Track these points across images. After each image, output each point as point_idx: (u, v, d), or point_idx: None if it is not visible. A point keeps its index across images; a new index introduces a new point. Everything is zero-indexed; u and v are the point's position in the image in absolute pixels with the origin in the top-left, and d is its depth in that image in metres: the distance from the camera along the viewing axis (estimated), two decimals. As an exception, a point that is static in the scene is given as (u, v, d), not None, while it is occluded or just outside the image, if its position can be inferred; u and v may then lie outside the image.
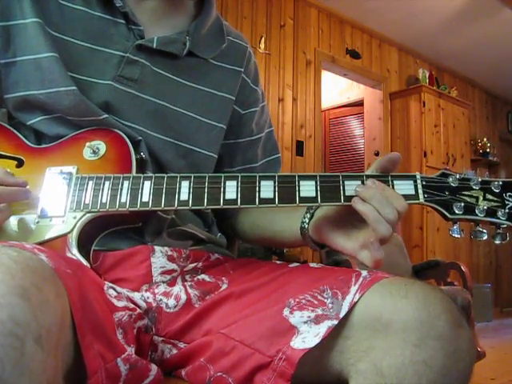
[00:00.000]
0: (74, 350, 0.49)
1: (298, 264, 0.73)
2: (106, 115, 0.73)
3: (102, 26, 0.77)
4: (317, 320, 0.58)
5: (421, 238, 4.52)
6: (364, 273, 0.61)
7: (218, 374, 0.61)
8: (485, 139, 5.90)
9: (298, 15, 4.25)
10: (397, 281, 0.57)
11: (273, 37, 4.05)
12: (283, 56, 4.09)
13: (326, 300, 0.59)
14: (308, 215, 0.71)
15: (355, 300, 0.56)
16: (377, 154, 4.88)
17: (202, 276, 0.76)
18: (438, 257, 3.98)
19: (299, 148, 4.10)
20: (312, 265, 0.72)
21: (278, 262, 0.77)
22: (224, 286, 0.72)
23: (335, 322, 0.56)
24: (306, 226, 0.71)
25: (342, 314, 0.56)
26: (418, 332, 0.51)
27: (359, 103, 5.18)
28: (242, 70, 0.89)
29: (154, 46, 0.77)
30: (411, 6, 4.33)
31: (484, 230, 0.64)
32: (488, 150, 5.87)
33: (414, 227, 4.55)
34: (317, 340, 0.55)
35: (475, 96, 6.09)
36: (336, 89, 5.35)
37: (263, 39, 3.90)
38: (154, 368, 0.60)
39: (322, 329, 0.56)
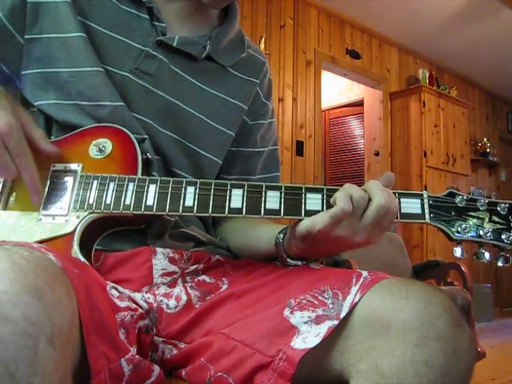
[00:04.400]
0: (80, 350, 0.50)
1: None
2: (121, 103, 0.74)
3: (126, 19, 0.78)
4: (317, 320, 0.58)
5: (421, 238, 4.52)
6: (364, 273, 0.61)
7: (219, 373, 0.61)
8: (485, 139, 5.90)
9: (298, 15, 4.25)
10: (397, 281, 0.58)
11: (273, 37, 4.05)
12: (283, 56, 4.09)
13: (326, 300, 0.59)
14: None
15: (356, 300, 0.56)
16: (377, 154, 4.88)
17: (203, 277, 0.76)
18: (438, 257, 3.98)
19: (299, 148, 4.10)
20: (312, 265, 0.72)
21: (279, 263, 0.77)
22: (224, 287, 0.72)
23: (336, 322, 0.56)
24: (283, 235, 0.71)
25: (342, 315, 0.56)
26: (418, 332, 0.52)
27: (359, 103, 5.18)
28: (258, 81, 0.90)
29: (175, 44, 0.78)
30: (411, 5, 4.33)
31: (487, 252, 0.63)
32: (488, 150, 5.87)
33: (414, 227, 4.54)
34: (317, 340, 0.55)
35: (475, 96, 6.09)
36: (336, 89, 5.35)
37: (263, 39, 3.90)
38: (156, 369, 0.60)
39: (323, 329, 0.56)
